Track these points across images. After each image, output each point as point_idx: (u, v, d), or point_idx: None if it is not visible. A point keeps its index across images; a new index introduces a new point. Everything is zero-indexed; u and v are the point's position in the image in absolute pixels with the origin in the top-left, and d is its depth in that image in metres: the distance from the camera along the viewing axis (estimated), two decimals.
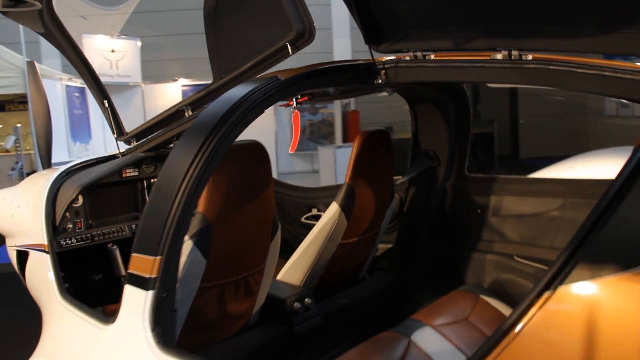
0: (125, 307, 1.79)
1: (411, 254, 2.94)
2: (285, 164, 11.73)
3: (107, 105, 2.93)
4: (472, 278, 2.83)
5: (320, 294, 2.66)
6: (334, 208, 2.53)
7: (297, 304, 2.42)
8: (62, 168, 2.80)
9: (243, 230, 2.12)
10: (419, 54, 2.05)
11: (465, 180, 2.84)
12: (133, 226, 2.93)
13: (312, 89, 2.22)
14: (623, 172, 1.20)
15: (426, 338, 2.13)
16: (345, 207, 2.53)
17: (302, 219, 3.49)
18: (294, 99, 2.16)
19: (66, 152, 8.68)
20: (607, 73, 1.58)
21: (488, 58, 1.85)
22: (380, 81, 2.18)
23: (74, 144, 9.26)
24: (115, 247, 2.79)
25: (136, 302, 1.73)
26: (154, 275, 1.70)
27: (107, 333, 1.88)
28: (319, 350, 2.59)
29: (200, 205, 1.97)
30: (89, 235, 2.79)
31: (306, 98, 2.25)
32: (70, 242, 2.71)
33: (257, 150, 2.11)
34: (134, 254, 1.78)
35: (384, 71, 2.16)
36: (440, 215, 2.93)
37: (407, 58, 2.10)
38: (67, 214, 2.69)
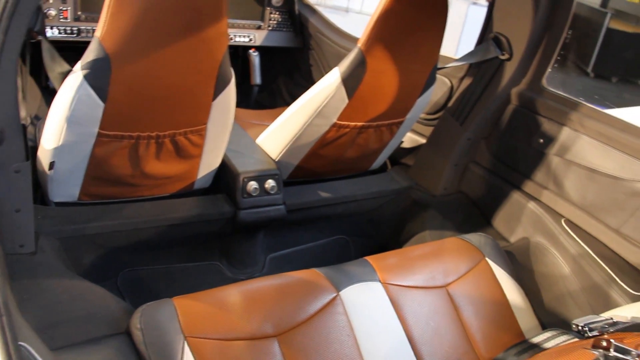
0: None
1: (439, 164, 2.19)
2: None
3: None
4: (501, 224, 2.08)
5: (303, 180, 2.16)
6: (333, 76, 1.82)
7: (252, 184, 1.87)
8: None
9: (162, 75, 1.54)
10: None
11: (539, 93, 1.97)
12: None
13: None
14: None
15: (361, 300, 1.49)
16: (349, 79, 1.80)
17: None
18: None
19: None
20: None
21: None
22: None
23: None
24: None
25: None
26: None
27: None
28: (254, 249, 2.05)
29: (98, 29, 1.41)
30: (74, 28, 2.40)
31: None
32: (48, 31, 2.35)
33: None
34: None
35: None
36: (491, 126, 2.11)
37: None
38: None
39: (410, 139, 2.45)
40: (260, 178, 1.92)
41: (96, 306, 1.41)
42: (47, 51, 1.56)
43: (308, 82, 3.00)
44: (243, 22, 2.85)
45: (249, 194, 1.90)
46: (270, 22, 2.92)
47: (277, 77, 3.26)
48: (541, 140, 1.93)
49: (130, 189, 1.80)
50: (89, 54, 1.42)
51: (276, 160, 2.02)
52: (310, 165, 2.08)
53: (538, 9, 1.83)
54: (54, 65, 1.56)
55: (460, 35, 7.67)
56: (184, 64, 1.53)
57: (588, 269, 1.70)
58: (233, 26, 2.82)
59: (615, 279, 1.63)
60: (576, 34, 10.10)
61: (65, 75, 1.50)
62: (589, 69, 9.96)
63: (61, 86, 1.50)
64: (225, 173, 1.95)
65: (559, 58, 1.98)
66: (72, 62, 1.56)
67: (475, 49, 2.07)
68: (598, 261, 1.70)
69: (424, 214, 2.21)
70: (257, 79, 2.93)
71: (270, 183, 1.93)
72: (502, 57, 1.98)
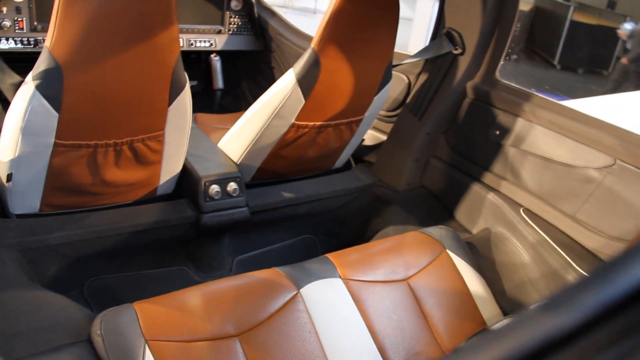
0: None
1: (400, 160, 2.22)
2: None
3: None
4: (463, 216, 2.11)
5: (267, 181, 2.17)
6: (288, 78, 1.84)
7: (214, 187, 1.87)
8: None
9: (115, 83, 1.55)
10: None
11: (493, 85, 2.01)
12: None
13: None
14: None
15: (322, 297, 1.50)
16: (304, 80, 1.82)
17: None
18: None
19: None
20: None
21: None
22: None
23: None
24: None
25: None
26: None
27: None
28: (220, 253, 2.06)
29: (47, 39, 1.42)
30: (31, 39, 2.37)
31: None
32: (4, 42, 2.32)
33: None
34: None
35: None
36: (449, 121, 2.14)
37: None
38: (4, 8, 2.29)
39: (372, 137, 2.48)
40: (222, 181, 1.93)
41: (58, 315, 1.41)
42: None
43: (271, 84, 3.00)
44: (203, 27, 2.86)
45: (211, 198, 1.90)
46: (231, 26, 2.93)
47: (240, 81, 3.27)
48: (497, 132, 1.97)
49: (92, 197, 1.80)
50: (40, 65, 1.42)
51: (238, 162, 2.03)
52: (272, 167, 2.10)
53: (487, 3, 1.87)
54: (3, 76, 1.56)
55: (427, 31, 7.75)
56: (137, 71, 1.54)
57: (546, 255, 1.74)
58: (193, 31, 2.83)
59: (572, 264, 1.67)
60: (541, 27, 10.26)
61: (17, 86, 1.50)
62: (555, 62, 10.12)
63: (14, 97, 1.49)
64: (187, 178, 1.95)
65: (509, 50, 2.02)
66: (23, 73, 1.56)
67: (429, 44, 2.10)
68: (556, 248, 1.74)
69: (387, 210, 2.24)
70: (219, 83, 2.94)
71: (232, 186, 1.94)
72: (455, 52, 2.01)
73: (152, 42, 1.50)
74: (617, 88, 7.60)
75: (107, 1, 1.39)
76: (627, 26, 8.70)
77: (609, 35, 9.95)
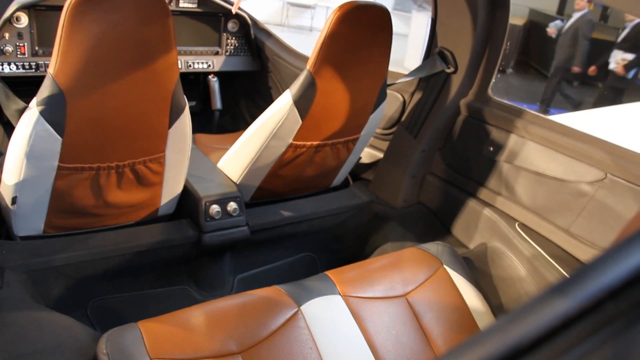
0: None
1: (397, 177, 2.26)
2: None
3: None
4: (460, 232, 2.14)
5: (266, 201, 2.21)
6: (285, 99, 1.88)
7: (214, 207, 1.91)
8: None
9: (116, 107, 1.59)
10: None
11: (486, 102, 2.05)
12: None
13: None
14: None
15: (322, 314, 1.53)
16: (300, 101, 1.86)
17: None
18: None
19: None
20: None
21: None
22: None
23: None
24: None
25: None
26: None
27: None
28: (222, 271, 2.08)
29: (51, 66, 1.46)
30: (33, 63, 2.40)
31: None
32: (6, 67, 2.39)
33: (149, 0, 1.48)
34: None
35: None
36: (444, 138, 2.18)
37: None
38: (6, 34, 2.35)
39: (369, 155, 2.52)
40: (222, 201, 1.96)
41: (64, 336, 1.43)
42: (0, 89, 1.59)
43: (268, 103, 3.04)
44: (201, 48, 2.91)
45: (211, 218, 1.94)
46: (228, 47, 2.98)
47: (238, 101, 3.31)
48: (491, 148, 2.01)
49: (95, 219, 1.83)
50: (44, 91, 1.46)
51: (237, 182, 2.07)
52: (271, 186, 2.14)
53: (477, 23, 1.92)
54: (8, 102, 1.60)
55: (422, 46, 7.85)
56: (137, 96, 1.58)
57: (542, 269, 1.77)
58: (191, 53, 2.88)
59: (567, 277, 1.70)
60: (535, 40, 10.35)
61: (21, 112, 1.54)
62: (550, 75, 10.19)
63: (18, 123, 1.53)
64: (187, 198, 1.99)
65: (503, 64, 2.06)
66: (33, 96, 1.60)
67: (422, 63, 2.15)
68: (551, 261, 1.77)
69: (385, 227, 2.27)
70: (217, 103, 2.99)
71: (232, 205, 1.97)
72: (448, 71, 2.06)
73: (152, 67, 1.55)
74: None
75: (109, 29, 1.44)
76: (557, 23, 8.75)
77: (602, 48, 10.02)
